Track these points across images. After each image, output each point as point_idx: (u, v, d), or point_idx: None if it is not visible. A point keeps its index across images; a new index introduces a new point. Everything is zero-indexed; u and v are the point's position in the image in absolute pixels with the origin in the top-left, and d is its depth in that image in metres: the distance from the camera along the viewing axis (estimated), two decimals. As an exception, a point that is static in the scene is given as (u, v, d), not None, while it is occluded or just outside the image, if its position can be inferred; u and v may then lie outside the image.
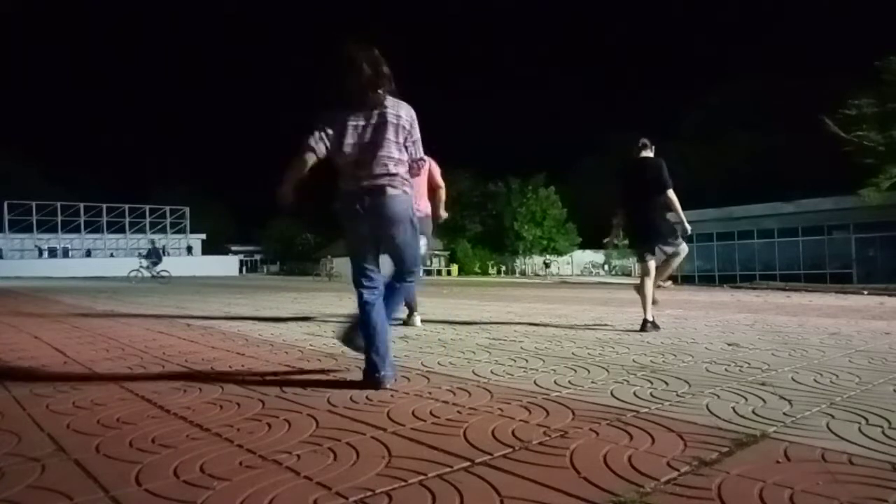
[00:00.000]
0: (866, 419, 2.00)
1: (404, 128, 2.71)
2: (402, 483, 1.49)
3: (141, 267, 22.20)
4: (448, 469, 1.58)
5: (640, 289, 4.86)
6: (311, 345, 4.03)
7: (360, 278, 2.72)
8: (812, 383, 2.61)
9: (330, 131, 2.63)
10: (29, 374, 3.00)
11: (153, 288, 15.66)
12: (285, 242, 65.70)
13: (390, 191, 2.65)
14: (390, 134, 2.66)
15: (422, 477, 1.52)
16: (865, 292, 12.15)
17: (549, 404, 2.26)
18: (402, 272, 2.83)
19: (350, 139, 2.62)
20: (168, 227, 53.47)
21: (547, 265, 44.18)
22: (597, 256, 53.14)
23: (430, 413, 2.15)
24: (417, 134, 2.79)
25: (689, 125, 42.76)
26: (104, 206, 49.90)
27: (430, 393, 2.48)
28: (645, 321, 4.68)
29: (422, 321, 5.19)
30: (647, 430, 1.91)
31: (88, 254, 46.67)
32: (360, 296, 2.71)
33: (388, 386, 2.59)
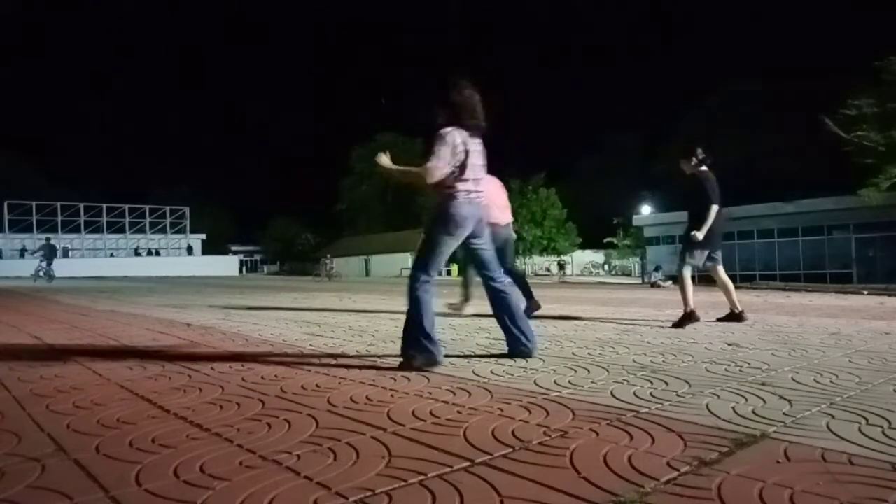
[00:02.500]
0: (866, 419, 2.00)
1: (485, 155, 3.38)
2: (402, 483, 1.49)
3: (41, 265, 21.88)
4: (448, 469, 1.58)
5: (684, 284, 5.13)
6: (311, 345, 4.02)
7: (431, 273, 3.18)
8: (812, 383, 2.61)
9: (457, 153, 3.16)
10: (29, 374, 3.00)
11: (153, 288, 15.66)
12: (285, 242, 65.70)
13: (485, 202, 3.36)
14: (484, 160, 3.35)
15: (422, 477, 1.52)
16: (865, 292, 12.15)
17: (549, 404, 2.26)
18: (496, 268, 3.41)
19: (472, 160, 3.21)
20: (168, 227, 53.44)
21: (561, 266, 43.70)
22: (597, 256, 53.15)
23: (430, 413, 2.15)
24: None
25: (688, 125, 42.71)
26: (104, 206, 49.85)
27: (430, 393, 2.48)
28: (691, 313, 4.98)
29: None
30: (647, 430, 1.91)
31: (66, 253, 46.50)
32: (425, 285, 3.14)
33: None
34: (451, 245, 3.21)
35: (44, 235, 46.65)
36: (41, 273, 21.79)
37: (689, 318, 4.96)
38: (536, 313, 5.85)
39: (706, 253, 5.22)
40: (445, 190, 3.18)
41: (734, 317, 5.23)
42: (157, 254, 51.30)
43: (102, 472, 1.58)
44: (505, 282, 3.41)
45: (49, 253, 22.18)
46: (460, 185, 3.17)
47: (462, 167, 3.18)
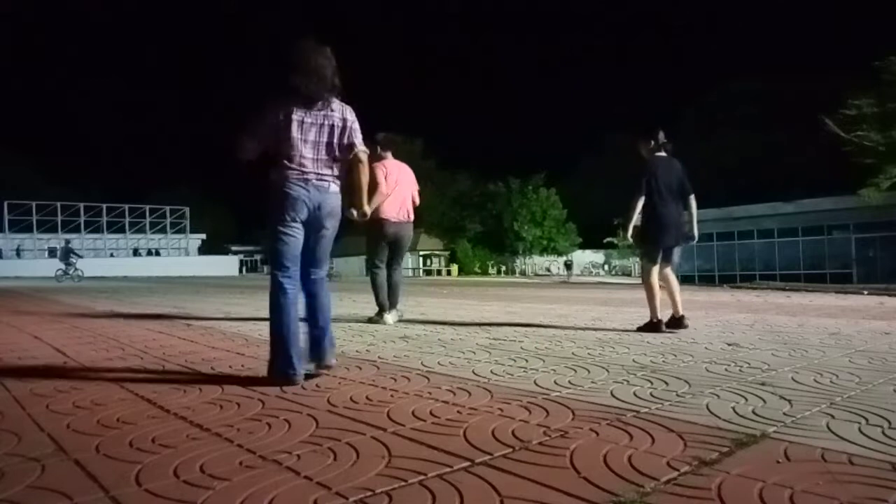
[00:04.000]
0: (866, 419, 2.00)
1: (345, 129, 2.88)
2: (402, 483, 1.49)
3: (68, 266, 23.58)
4: (448, 469, 1.58)
5: (650, 291, 4.65)
6: (311, 345, 4.02)
7: (289, 269, 2.77)
8: (812, 383, 2.61)
9: (270, 127, 2.74)
10: (29, 374, 3.00)
11: (153, 288, 15.66)
12: (285, 242, 65.58)
13: (333, 187, 2.87)
14: (335, 135, 2.85)
15: (422, 477, 1.52)
16: (865, 292, 12.15)
17: (549, 404, 2.26)
18: (318, 267, 2.95)
19: (301, 135, 2.76)
20: (168, 227, 53.47)
21: (568, 266, 41.68)
22: (597, 256, 53.21)
23: (430, 413, 2.15)
24: (357, 126, 2.97)
25: (688, 125, 42.77)
26: (104, 206, 49.90)
27: (430, 393, 2.48)
28: (657, 323, 4.56)
29: (421, 321, 5.20)
30: (647, 430, 1.91)
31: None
32: (282, 286, 2.74)
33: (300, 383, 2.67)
34: (293, 231, 2.76)
35: (45, 236, 46.86)
36: (69, 273, 23.25)
37: (653, 327, 4.53)
38: (536, 314, 5.83)
39: (661, 251, 4.69)
40: (276, 166, 2.76)
41: (675, 322, 4.59)
42: (157, 254, 51.34)
43: (102, 472, 1.58)
44: (321, 283, 2.97)
45: (63, 254, 23.78)
46: (288, 163, 2.73)
47: (282, 141, 2.73)
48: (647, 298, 4.68)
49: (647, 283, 4.71)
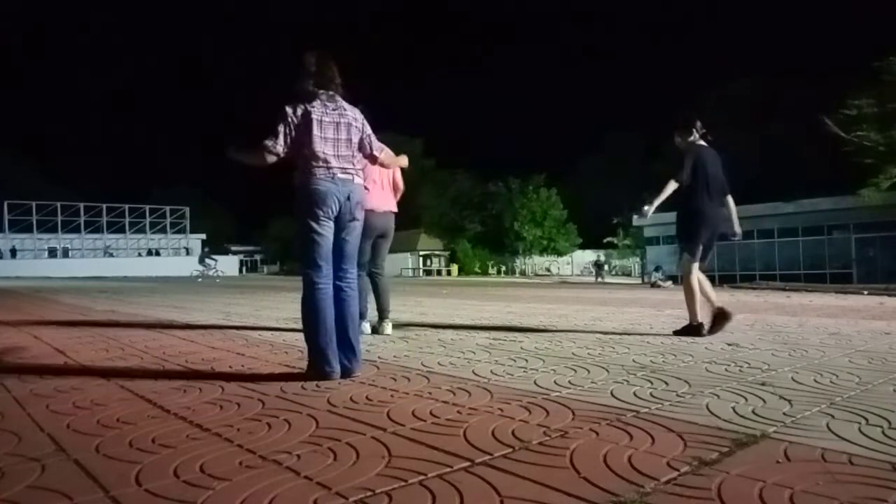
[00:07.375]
0: (866, 419, 2.00)
1: (358, 128, 3.02)
2: (402, 483, 1.49)
3: (206, 268, 26.79)
4: (448, 469, 1.58)
5: (690, 290, 4.39)
6: (311, 345, 4.02)
7: (321, 267, 2.83)
8: (812, 383, 2.61)
9: (293, 128, 2.84)
10: (29, 374, 2.99)
11: (153, 288, 15.67)
12: (285, 242, 65.70)
13: (357, 179, 2.96)
14: (352, 133, 2.98)
15: (422, 477, 1.52)
16: (865, 292, 12.15)
17: (549, 404, 2.26)
18: (350, 265, 2.99)
19: (322, 133, 2.86)
20: (168, 227, 53.46)
21: (599, 266, 36.59)
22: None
23: (430, 413, 2.15)
24: (370, 130, 3.12)
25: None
26: (104, 206, 49.87)
27: (430, 393, 2.48)
28: (698, 325, 4.32)
29: (420, 321, 5.18)
30: (647, 430, 1.91)
31: (66, 253, 46.90)
32: (316, 284, 2.81)
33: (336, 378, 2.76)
34: (324, 228, 2.82)
35: (45, 236, 46.90)
36: (210, 273, 26.27)
37: (693, 330, 4.29)
38: (536, 314, 5.82)
39: (701, 248, 4.40)
40: (300, 167, 2.85)
41: (721, 315, 4.34)
42: (157, 254, 51.35)
43: (102, 472, 1.58)
44: (352, 283, 2.99)
45: (201, 258, 27.11)
46: (313, 161, 2.81)
47: (304, 140, 2.82)
48: (687, 300, 4.42)
49: (687, 283, 4.44)
